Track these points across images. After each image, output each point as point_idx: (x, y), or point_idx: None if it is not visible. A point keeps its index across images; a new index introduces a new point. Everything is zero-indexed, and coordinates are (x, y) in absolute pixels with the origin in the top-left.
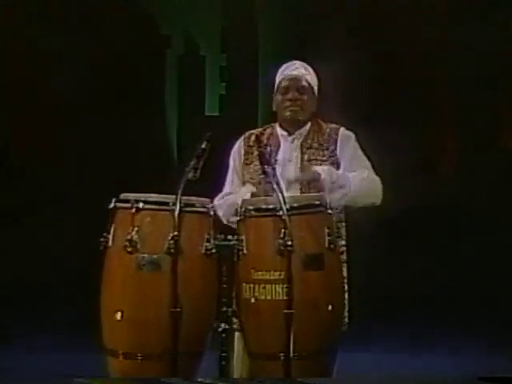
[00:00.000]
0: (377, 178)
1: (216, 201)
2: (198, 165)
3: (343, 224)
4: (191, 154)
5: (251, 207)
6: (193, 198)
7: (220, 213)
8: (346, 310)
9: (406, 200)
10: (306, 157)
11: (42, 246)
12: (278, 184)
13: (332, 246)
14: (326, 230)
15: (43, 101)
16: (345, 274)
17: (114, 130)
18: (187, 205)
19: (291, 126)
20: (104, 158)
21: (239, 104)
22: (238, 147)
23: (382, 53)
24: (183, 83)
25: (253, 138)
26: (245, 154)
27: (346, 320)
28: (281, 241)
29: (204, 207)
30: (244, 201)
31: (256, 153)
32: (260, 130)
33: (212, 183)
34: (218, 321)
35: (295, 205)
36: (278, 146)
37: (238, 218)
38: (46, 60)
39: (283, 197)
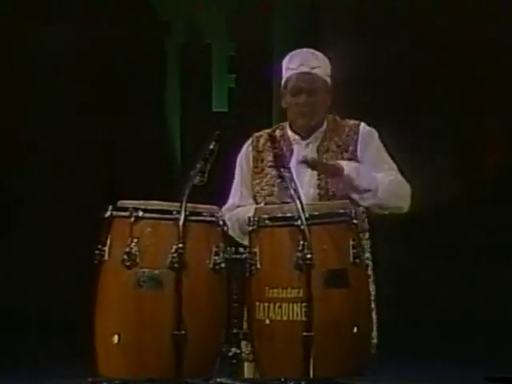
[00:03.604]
0: (405, 182)
1: (226, 212)
2: (206, 168)
3: (366, 234)
4: (197, 155)
5: (265, 216)
6: (199, 205)
7: (230, 229)
8: (374, 329)
9: (436, 208)
10: (323, 161)
11: (30, 259)
12: (295, 190)
13: (357, 260)
14: (351, 243)
15: (33, 98)
16: (371, 290)
17: (107, 130)
18: (193, 213)
19: (305, 131)
20: (97, 162)
21: (250, 98)
22: (246, 152)
23: (411, 43)
24: (186, 75)
25: (262, 140)
26: (254, 161)
27: (375, 341)
28: (299, 254)
29: (212, 216)
30: (257, 209)
31: (268, 158)
32: (269, 131)
33: (221, 189)
34: (227, 345)
35: (315, 213)
36: (291, 151)
37: (251, 229)
38: (38, 51)
39: (302, 204)
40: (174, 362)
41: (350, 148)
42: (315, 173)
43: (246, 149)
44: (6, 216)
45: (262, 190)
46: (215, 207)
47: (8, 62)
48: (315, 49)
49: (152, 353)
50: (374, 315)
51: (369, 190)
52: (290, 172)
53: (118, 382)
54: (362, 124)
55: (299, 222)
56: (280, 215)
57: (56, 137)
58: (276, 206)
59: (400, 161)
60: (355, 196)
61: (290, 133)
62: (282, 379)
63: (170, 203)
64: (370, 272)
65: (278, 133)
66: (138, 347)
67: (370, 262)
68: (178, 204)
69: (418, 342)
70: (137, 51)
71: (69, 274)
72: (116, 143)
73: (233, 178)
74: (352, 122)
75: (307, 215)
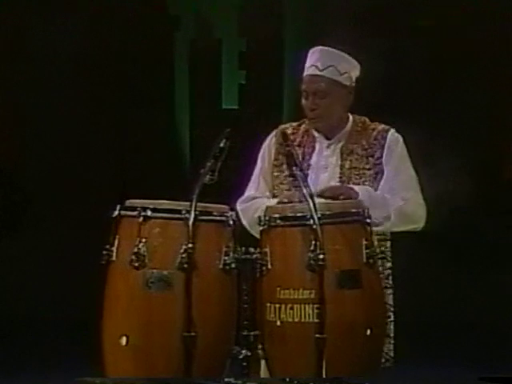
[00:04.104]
0: (421, 202)
1: (239, 204)
2: (216, 166)
3: (388, 243)
4: (207, 154)
5: (277, 215)
6: (209, 204)
7: (244, 219)
8: (392, 342)
9: (453, 210)
10: (346, 164)
11: (36, 260)
12: (308, 189)
13: (371, 261)
14: (364, 243)
15: (40, 94)
16: (390, 301)
17: (115, 127)
18: (203, 213)
19: (326, 131)
20: (105, 160)
21: (261, 96)
22: (269, 145)
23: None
24: (195, 72)
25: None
26: (275, 154)
27: (391, 354)
28: (311, 254)
29: (222, 215)
30: (268, 208)
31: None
32: (295, 125)
33: (231, 188)
34: (237, 347)
35: (328, 213)
36: (313, 149)
37: (262, 228)
38: (43, 44)
39: (314, 203)
40: (183, 365)
41: (376, 154)
42: (336, 173)
43: (270, 141)
44: (14, 216)
45: (281, 183)
46: (225, 206)
47: (13, 56)
48: (328, 44)
49: (161, 355)
50: (392, 327)
51: (380, 214)
52: (302, 170)
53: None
54: (392, 130)
55: (311, 222)
56: (292, 215)
57: (63, 134)
58: (288, 205)
59: (416, 162)
60: None
61: (313, 129)
62: (287, 379)
63: (180, 202)
64: (389, 282)
65: (303, 127)
66: (147, 349)
67: (390, 271)
68: (188, 203)
69: (434, 346)
70: (144, 47)
71: (76, 274)
72: (124, 141)
73: (244, 176)
74: (381, 126)
75: (319, 215)
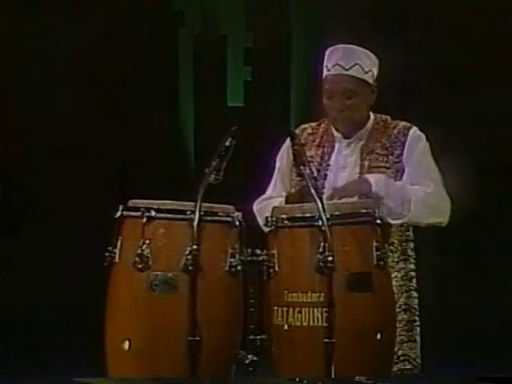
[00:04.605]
0: (445, 195)
1: (255, 205)
2: (221, 166)
3: (411, 244)
4: (212, 152)
5: (284, 216)
6: (215, 205)
7: (260, 220)
8: (418, 348)
9: (482, 218)
10: (366, 163)
11: (37, 261)
12: (316, 188)
13: (381, 263)
14: (375, 244)
15: (41, 94)
16: (415, 305)
17: (117, 126)
18: (208, 213)
19: (345, 130)
20: (107, 159)
21: (268, 93)
22: (288, 145)
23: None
24: (200, 69)
25: (305, 134)
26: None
27: (419, 360)
28: (320, 256)
29: (228, 216)
30: (275, 208)
31: (310, 153)
32: (314, 125)
33: (236, 188)
34: (244, 351)
35: (337, 213)
36: (332, 148)
37: (268, 229)
38: (45, 43)
39: (322, 203)
40: (188, 370)
41: (397, 152)
42: (355, 173)
43: (288, 141)
44: (15, 216)
45: (303, 186)
46: (231, 207)
47: (14, 56)
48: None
49: (165, 360)
50: (417, 332)
51: (401, 205)
52: (310, 169)
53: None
54: (414, 128)
55: (320, 223)
56: (300, 215)
57: (65, 133)
58: (296, 205)
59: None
60: (384, 213)
61: (333, 129)
62: (298, 379)
63: (184, 203)
64: (413, 284)
65: (322, 127)
66: (151, 354)
67: (414, 274)
68: (192, 204)
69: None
70: (147, 43)
71: (78, 276)
72: (126, 140)
73: (250, 175)
74: (403, 124)
75: (328, 215)
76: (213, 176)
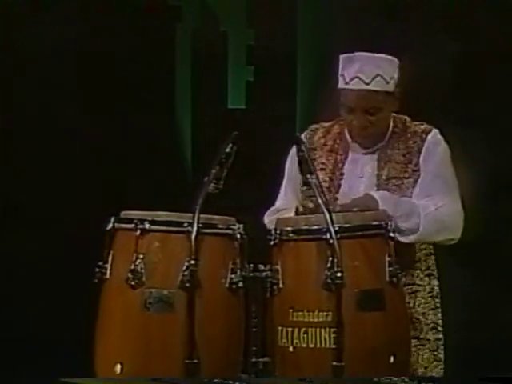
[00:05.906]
0: (459, 208)
1: (266, 217)
2: (221, 174)
3: (433, 258)
4: (211, 159)
5: (289, 228)
6: (214, 216)
7: None
8: (442, 367)
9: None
10: (384, 174)
11: (22, 277)
12: (323, 198)
13: (394, 279)
14: (387, 259)
15: (33, 96)
16: (439, 321)
17: (108, 128)
18: (207, 225)
19: (364, 141)
20: (98, 166)
21: (271, 94)
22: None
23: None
24: (199, 68)
25: (316, 136)
26: None
27: None
28: (328, 272)
29: (229, 228)
30: (279, 220)
31: (322, 158)
32: (326, 125)
33: (238, 197)
34: (245, 375)
35: (346, 225)
36: (346, 155)
37: (272, 243)
38: (37, 42)
39: (330, 215)
40: None
41: (414, 159)
42: (372, 183)
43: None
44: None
45: (310, 195)
46: (232, 218)
47: (7, 57)
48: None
49: None
50: (441, 350)
51: (408, 223)
52: (317, 178)
53: None
54: (434, 131)
55: (328, 236)
56: (306, 227)
57: (56, 138)
58: (301, 216)
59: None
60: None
61: (348, 135)
62: (308, 379)
63: (181, 214)
64: (438, 302)
65: (335, 129)
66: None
67: (438, 290)
68: (190, 215)
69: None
70: (143, 39)
71: (67, 293)
72: (118, 146)
73: (252, 184)
74: (423, 127)
75: (337, 227)
76: (212, 185)
